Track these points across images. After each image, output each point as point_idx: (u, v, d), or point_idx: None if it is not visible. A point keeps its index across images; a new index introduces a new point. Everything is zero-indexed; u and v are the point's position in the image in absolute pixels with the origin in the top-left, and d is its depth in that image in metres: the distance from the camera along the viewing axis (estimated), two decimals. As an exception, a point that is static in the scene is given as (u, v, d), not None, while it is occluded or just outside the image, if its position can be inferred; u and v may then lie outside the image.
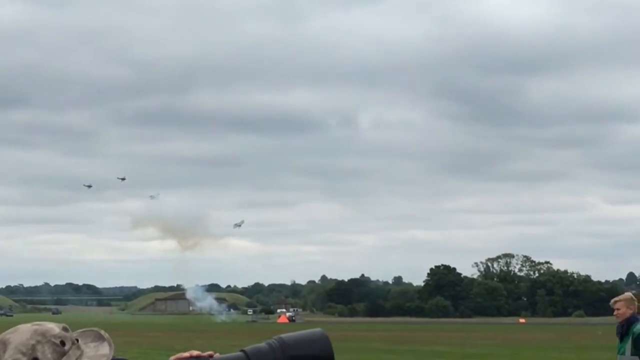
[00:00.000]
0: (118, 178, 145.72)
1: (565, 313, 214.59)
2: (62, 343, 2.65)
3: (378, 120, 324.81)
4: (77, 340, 2.71)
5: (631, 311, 13.67)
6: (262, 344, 2.89)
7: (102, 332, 2.82)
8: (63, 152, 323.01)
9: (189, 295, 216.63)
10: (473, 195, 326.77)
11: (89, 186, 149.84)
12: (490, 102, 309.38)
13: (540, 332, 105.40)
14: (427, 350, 60.97)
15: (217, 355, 2.82)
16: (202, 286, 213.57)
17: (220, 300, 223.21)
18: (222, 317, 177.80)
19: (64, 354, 2.63)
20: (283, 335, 2.89)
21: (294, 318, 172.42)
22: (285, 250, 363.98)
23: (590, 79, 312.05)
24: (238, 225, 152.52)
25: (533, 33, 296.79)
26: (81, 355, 2.68)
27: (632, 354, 13.44)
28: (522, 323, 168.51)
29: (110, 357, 2.73)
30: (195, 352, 2.84)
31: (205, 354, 2.85)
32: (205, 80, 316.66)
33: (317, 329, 2.91)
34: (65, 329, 2.71)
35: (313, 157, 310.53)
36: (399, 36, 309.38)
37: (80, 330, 2.77)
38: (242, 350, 2.81)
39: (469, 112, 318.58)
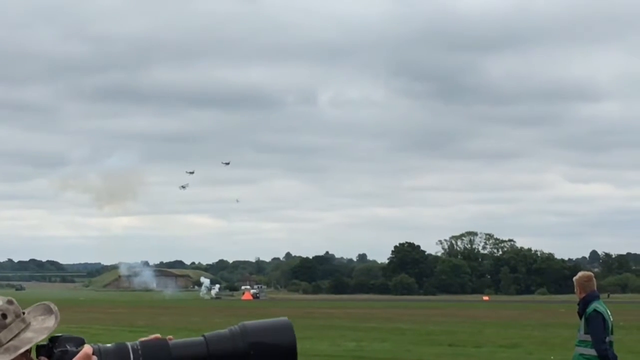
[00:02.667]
0: (187, 172, 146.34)
1: (528, 291, 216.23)
2: (4, 316, 2.65)
3: (338, 98, 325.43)
4: (24, 314, 2.71)
5: (587, 291, 13.81)
6: (224, 330, 2.83)
7: (52, 305, 2.79)
8: (23, 127, 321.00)
9: (122, 271, 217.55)
10: (435, 173, 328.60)
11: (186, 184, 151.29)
12: (449, 80, 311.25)
13: (504, 310, 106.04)
14: (390, 327, 61.08)
15: (173, 340, 2.78)
16: (141, 262, 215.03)
17: (161, 274, 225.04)
18: (169, 292, 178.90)
19: (5, 326, 2.64)
20: (246, 322, 2.84)
21: (258, 295, 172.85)
22: (249, 227, 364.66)
23: (547, 57, 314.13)
24: (183, 187, 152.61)
25: (490, 13, 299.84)
26: (26, 327, 2.68)
27: (585, 332, 13.66)
28: (486, 300, 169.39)
29: (53, 329, 2.70)
30: (156, 336, 2.82)
31: (166, 338, 2.84)
32: (163, 57, 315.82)
33: (283, 318, 2.86)
34: (9, 302, 2.70)
35: (273, 134, 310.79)
36: (357, 15, 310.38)
37: (35, 304, 2.76)
38: (203, 336, 2.79)
39: (429, 90, 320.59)
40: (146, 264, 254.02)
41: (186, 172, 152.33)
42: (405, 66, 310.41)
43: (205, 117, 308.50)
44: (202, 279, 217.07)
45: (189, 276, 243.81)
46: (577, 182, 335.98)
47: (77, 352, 2.62)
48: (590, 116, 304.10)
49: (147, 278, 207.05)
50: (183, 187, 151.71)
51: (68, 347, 2.67)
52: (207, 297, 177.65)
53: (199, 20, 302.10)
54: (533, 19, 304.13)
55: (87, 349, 2.63)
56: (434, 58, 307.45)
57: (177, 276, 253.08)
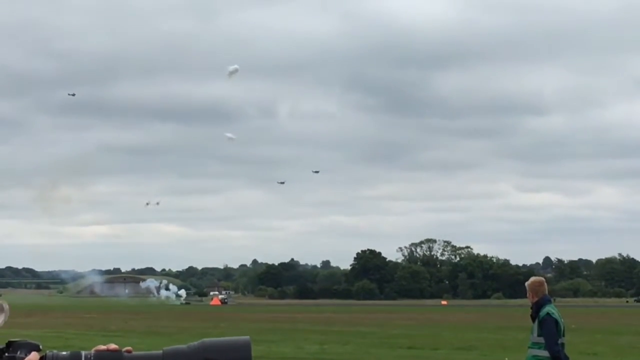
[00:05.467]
0: (69, 94, 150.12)
1: (485, 295, 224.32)
2: None
3: (296, 111, 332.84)
4: None
5: (539, 295, 14.13)
6: (183, 346, 2.49)
7: (5, 304, 2.58)
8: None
9: (89, 280, 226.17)
10: (391, 183, 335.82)
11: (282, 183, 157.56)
12: (401, 94, 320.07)
13: (461, 314, 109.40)
14: (353, 330, 62.91)
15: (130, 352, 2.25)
16: (99, 270, 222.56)
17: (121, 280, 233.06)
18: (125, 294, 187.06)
19: None
20: (206, 339, 2.48)
21: (226, 300, 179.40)
22: (216, 235, 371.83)
23: (494, 73, 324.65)
24: (149, 203, 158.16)
25: (438, 30, 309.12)
26: None
27: (538, 335, 13.98)
28: (444, 305, 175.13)
29: (0, 324, 2.48)
30: (112, 346, 2.39)
31: (124, 349, 2.41)
32: (127, 72, 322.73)
33: (244, 337, 2.48)
34: None
35: (235, 146, 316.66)
36: (308, 32, 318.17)
37: None
38: (162, 350, 2.83)
39: (382, 103, 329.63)
40: (101, 272, 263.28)
41: (277, 182, 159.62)
42: (358, 81, 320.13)
43: (169, 130, 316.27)
44: (148, 282, 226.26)
45: (141, 281, 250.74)
46: (527, 192, 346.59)
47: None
48: (537, 129, 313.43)
49: (97, 285, 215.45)
50: (149, 203, 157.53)
51: (19, 353, 2.62)
52: (177, 302, 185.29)
53: (161, 38, 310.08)
54: (479, 36, 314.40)
55: (33, 356, 2.58)
56: (385, 73, 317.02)
57: (126, 282, 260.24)
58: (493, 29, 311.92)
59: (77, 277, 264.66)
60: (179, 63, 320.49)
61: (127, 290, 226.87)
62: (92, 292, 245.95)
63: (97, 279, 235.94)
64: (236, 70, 74.64)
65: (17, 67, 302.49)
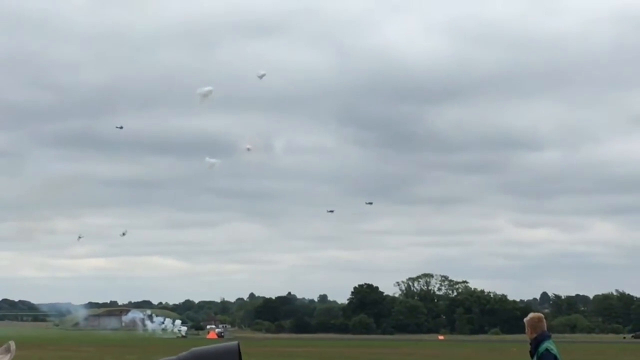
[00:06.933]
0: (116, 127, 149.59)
1: (482, 330, 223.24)
2: None
3: (292, 145, 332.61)
4: None
5: (538, 331, 14.07)
6: (173, 357, 3.10)
7: (12, 344, 2.92)
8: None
9: (85, 313, 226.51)
10: (387, 217, 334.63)
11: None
12: (396, 129, 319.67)
13: (458, 349, 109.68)
14: None
15: None
16: (96, 303, 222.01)
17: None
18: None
19: None
20: (195, 349, 3.01)
21: (222, 334, 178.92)
22: (213, 268, 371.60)
23: (490, 108, 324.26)
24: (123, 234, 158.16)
25: (433, 65, 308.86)
26: None
27: None
28: (441, 340, 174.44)
29: None
30: None
31: None
32: (122, 105, 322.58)
33: (233, 342, 2.98)
34: None
35: (231, 179, 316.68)
36: (303, 66, 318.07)
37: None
38: None
39: (377, 138, 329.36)
40: (97, 305, 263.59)
41: (327, 210, 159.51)
42: (353, 115, 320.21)
43: (165, 163, 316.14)
44: (131, 314, 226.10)
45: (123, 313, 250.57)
46: (524, 227, 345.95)
47: None
48: (533, 164, 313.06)
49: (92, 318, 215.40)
50: (124, 234, 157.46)
51: None
52: (173, 335, 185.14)
53: (157, 70, 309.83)
54: (475, 71, 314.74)
55: None
56: (381, 108, 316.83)
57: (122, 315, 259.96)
58: (488, 64, 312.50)
59: (73, 309, 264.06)
60: (175, 96, 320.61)
61: (123, 324, 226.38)
62: (88, 325, 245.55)
63: (93, 311, 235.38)
64: (210, 92, 74.38)
65: (11, 98, 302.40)
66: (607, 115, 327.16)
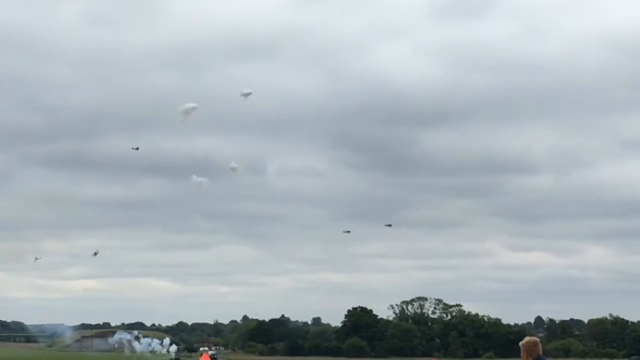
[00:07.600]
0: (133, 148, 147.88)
1: (476, 354, 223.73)
2: None
3: (283, 169, 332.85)
4: None
5: (533, 355, 14.46)
6: None
7: None
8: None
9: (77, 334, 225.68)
10: (380, 240, 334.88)
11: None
12: (388, 152, 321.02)
13: None
14: None
15: None
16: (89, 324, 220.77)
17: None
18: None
19: None
20: None
21: (216, 356, 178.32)
22: (206, 290, 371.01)
23: (481, 132, 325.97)
24: (96, 254, 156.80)
25: (424, 89, 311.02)
26: None
27: None
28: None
29: None
30: None
31: None
32: (113, 127, 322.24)
33: None
34: None
35: (222, 202, 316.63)
36: (294, 89, 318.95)
37: None
38: None
39: (369, 161, 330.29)
40: (90, 326, 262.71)
41: (344, 231, 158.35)
42: (346, 138, 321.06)
43: (156, 185, 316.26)
44: (117, 335, 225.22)
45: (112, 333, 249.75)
46: (517, 251, 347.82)
47: None
48: (525, 188, 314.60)
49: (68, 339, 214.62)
50: (95, 253, 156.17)
51: None
52: (162, 358, 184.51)
53: (147, 92, 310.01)
54: (467, 95, 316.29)
55: None
56: (373, 131, 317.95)
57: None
58: (480, 88, 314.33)
59: (65, 331, 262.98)
60: (166, 118, 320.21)
61: (116, 346, 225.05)
62: (80, 347, 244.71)
63: (85, 333, 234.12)
64: (193, 110, 74.15)
65: (2, 119, 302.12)
66: (599, 139, 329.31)
